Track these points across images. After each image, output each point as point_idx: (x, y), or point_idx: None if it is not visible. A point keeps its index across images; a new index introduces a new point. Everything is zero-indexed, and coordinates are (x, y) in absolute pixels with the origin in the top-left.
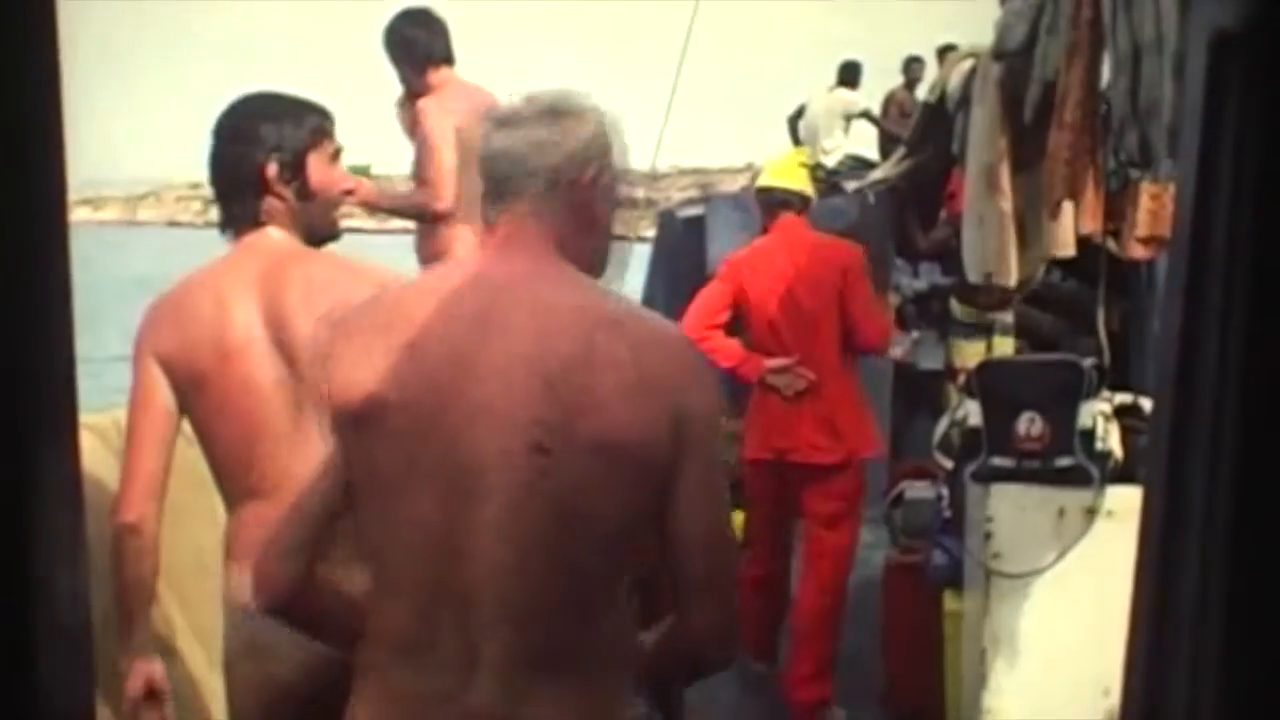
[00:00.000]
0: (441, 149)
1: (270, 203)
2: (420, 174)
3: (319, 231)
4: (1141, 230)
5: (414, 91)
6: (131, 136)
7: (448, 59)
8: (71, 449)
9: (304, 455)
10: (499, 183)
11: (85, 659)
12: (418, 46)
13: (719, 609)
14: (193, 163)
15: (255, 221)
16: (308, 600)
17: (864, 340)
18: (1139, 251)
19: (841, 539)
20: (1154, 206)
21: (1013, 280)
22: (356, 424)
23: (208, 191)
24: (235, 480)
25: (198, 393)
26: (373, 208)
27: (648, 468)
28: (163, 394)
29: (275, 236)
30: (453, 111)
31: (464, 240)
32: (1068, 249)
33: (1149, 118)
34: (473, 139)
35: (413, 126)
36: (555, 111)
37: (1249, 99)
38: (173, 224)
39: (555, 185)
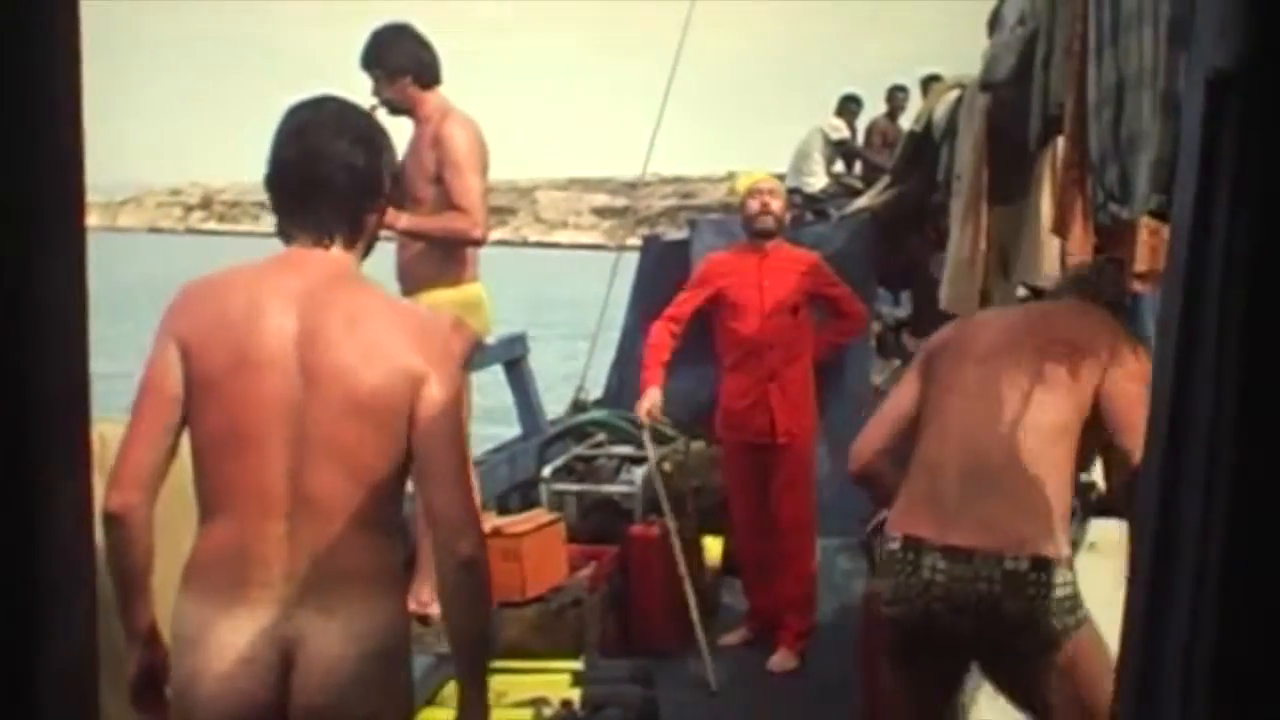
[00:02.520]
0: (472, 174)
1: (369, 219)
2: (453, 200)
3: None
4: (1140, 265)
5: (399, 109)
6: (112, 141)
7: (439, 80)
8: (83, 466)
9: (290, 474)
10: None
11: (91, 677)
12: (426, 67)
13: None
14: (173, 169)
15: (350, 234)
16: (881, 477)
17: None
18: (1137, 286)
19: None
20: (1153, 242)
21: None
22: (931, 360)
23: (188, 198)
24: (212, 490)
25: (203, 391)
26: (413, 235)
27: (1078, 388)
28: (173, 380)
29: (333, 255)
30: (475, 130)
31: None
32: (1051, 278)
33: (1130, 152)
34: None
35: None
36: None
37: (1245, 138)
38: (154, 230)
39: None
